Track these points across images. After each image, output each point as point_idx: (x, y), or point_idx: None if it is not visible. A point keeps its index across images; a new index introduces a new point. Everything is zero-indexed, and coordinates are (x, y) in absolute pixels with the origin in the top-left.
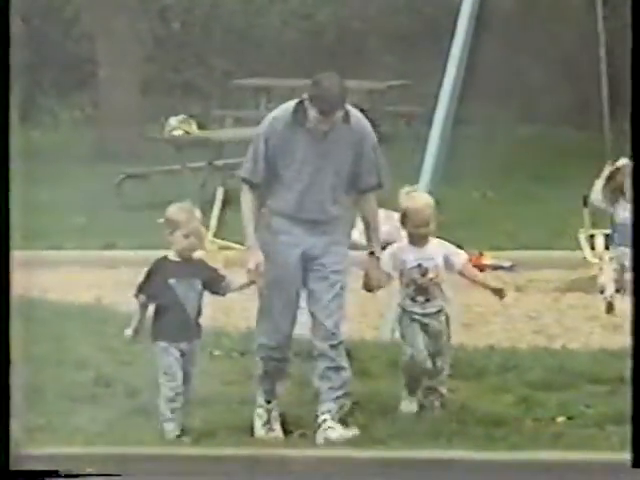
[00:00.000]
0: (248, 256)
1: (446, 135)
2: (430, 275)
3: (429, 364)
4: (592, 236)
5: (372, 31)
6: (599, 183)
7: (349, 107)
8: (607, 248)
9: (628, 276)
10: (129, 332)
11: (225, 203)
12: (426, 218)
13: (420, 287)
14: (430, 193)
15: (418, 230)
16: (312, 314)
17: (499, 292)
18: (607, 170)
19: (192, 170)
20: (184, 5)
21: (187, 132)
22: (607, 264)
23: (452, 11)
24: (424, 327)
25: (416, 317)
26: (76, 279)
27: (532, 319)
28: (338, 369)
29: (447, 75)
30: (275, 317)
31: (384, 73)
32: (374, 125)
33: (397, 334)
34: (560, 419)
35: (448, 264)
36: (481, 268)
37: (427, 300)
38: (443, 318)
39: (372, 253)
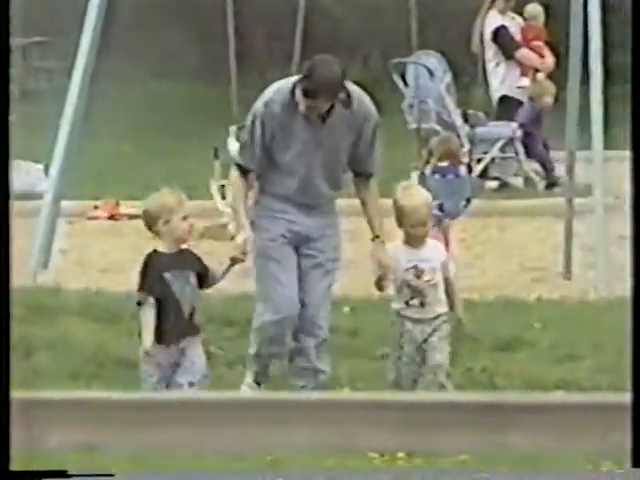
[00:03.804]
0: (239, 233)
1: (84, 90)
2: (426, 277)
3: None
4: (223, 186)
5: None
6: (231, 141)
7: (353, 90)
8: None
9: None
10: (148, 344)
11: None
12: (423, 217)
13: (415, 290)
14: (70, 146)
15: (414, 230)
16: (301, 302)
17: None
18: (234, 128)
19: None
20: None
21: None
22: None
23: None
24: (416, 336)
25: (408, 325)
26: None
27: None
28: (316, 372)
29: (85, 32)
30: (280, 290)
31: (27, 30)
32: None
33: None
34: None
35: (444, 270)
36: (118, 217)
37: (422, 304)
38: (440, 324)
39: (377, 237)
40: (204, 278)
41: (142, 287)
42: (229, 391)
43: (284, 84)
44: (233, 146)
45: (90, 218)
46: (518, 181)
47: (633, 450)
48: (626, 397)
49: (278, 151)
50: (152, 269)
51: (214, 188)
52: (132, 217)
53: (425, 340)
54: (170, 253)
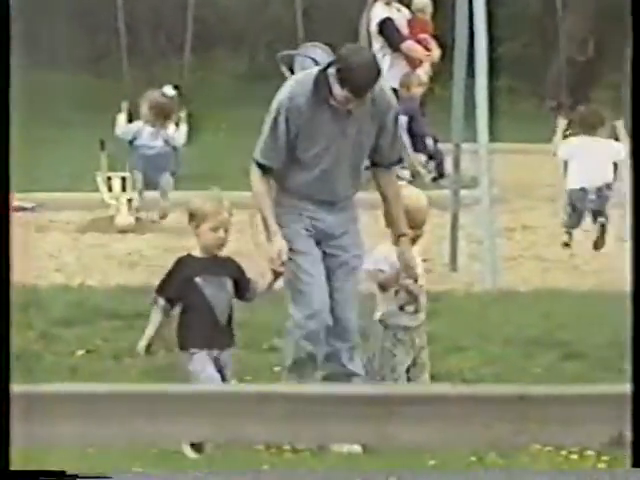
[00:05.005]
0: (271, 243)
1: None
2: (421, 281)
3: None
4: (109, 178)
5: None
6: (121, 117)
7: None
8: (124, 190)
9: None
10: (142, 345)
11: None
12: (424, 220)
13: (411, 295)
14: None
15: (413, 232)
16: (329, 303)
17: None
18: (125, 105)
19: None
20: None
21: None
22: (124, 205)
23: None
24: (408, 344)
25: (400, 335)
26: None
27: (53, 257)
28: (349, 376)
29: None
30: (311, 282)
31: None
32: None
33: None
34: (79, 352)
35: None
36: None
37: (416, 311)
38: (423, 331)
39: (404, 235)
40: (243, 288)
41: (158, 288)
42: (116, 384)
43: (306, 76)
44: (122, 121)
45: None
46: (405, 173)
47: (633, 450)
48: (510, 389)
49: (302, 146)
50: (179, 273)
51: (100, 180)
52: (19, 209)
53: (413, 346)
54: (204, 258)
